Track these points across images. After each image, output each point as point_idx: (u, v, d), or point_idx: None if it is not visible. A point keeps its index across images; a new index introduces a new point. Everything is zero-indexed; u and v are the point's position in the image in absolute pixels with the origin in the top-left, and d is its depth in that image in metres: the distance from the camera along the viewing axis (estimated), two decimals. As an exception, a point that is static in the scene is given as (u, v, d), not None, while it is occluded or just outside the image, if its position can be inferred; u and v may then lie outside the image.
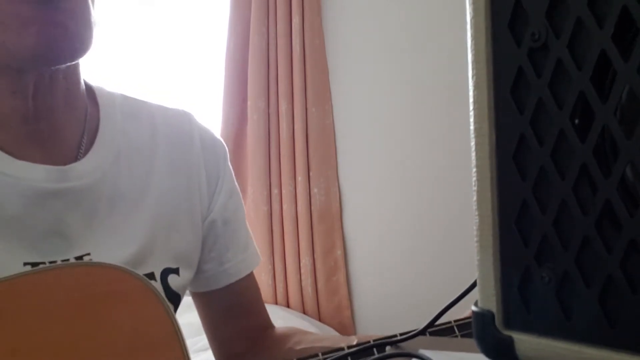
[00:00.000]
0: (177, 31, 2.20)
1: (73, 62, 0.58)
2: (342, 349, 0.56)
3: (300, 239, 2.04)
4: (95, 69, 2.05)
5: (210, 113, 2.16)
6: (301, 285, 2.05)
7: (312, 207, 2.04)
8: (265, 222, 2.06)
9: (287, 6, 2.02)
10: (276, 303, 2.07)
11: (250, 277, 0.81)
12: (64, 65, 0.58)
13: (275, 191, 2.07)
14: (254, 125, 2.06)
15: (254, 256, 0.81)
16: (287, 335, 0.82)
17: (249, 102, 2.08)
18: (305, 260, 2.03)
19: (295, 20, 2.01)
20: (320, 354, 0.55)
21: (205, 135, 0.77)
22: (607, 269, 0.28)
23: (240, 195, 0.81)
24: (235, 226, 0.78)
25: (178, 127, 0.75)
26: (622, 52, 0.27)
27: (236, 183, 0.80)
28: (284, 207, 2.06)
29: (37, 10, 0.53)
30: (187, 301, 0.91)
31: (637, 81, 0.26)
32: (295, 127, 2.04)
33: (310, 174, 2.05)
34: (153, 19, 2.20)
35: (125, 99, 0.73)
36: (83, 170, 0.64)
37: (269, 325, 0.85)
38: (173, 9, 2.21)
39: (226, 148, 0.79)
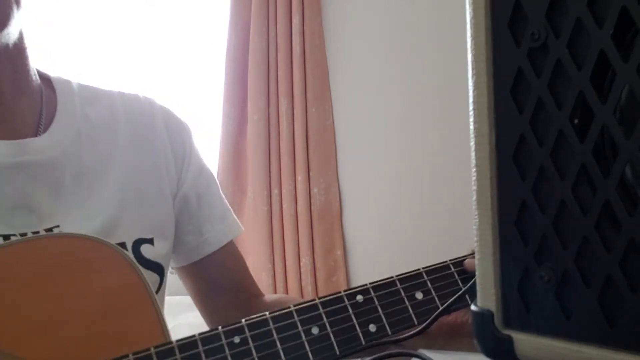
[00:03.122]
0: (177, 31, 2.20)
1: None
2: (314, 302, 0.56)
3: (300, 239, 2.04)
4: (95, 68, 2.05)
5: (210, 113, 2.16)
6: (301, 285, 2.04)
7: (312, 207, 2.04)
8: (265, 221, 2.06)
9: (287, 6, 2.02)
10: (276, 303, 2.07)
11: (232, 246, 0.83)
12: None
13: (275, 191, 2.07)
14: (254, 125, 2.06)
15: (233, 225, 0.84)
16: (280, 302, 0.84)
17: (249, 102, 2.07)
18: (305, 260, 2.03)
19: (295, 20, 2.01)
20: (292, 306, 0.55)
21: (168, 116, 0.80)
22: (606, 268, 0.28)
23: (211, 171, 0.84)
24: (210, 199, 0.81)
25: (138, 109, 0.78)
26: (622, 53, 0.27)
27: (204, 160, 0.83)
28: (284, 206, 2.06)
29: None
30: (186, 301, 0.91)
31: (637, 81, 0.26)
32: (295, 127, 2.04)
33: (310, 173, 2.05)
34: (153, 19, 2.20)
35: (83, 86, 0.76)
36: (42, 144, 0.66)
37: (258, 293, 0.87)
38: (173, 9, 2.21)
39: (190, 128, 0.83)
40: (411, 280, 0.59)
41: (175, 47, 2.20)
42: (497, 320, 0.32)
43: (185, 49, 2.19)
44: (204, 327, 0.88)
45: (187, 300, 0.88)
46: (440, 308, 0.55)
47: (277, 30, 2.04)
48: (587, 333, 0.29)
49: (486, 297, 0.32)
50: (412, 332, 0.55)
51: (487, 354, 0.33)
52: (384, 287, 0.58)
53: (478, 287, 0.33)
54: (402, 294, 0.58)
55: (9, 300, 0.52)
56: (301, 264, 2.04)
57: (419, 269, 0.60)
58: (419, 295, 0.58)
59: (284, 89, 2.03)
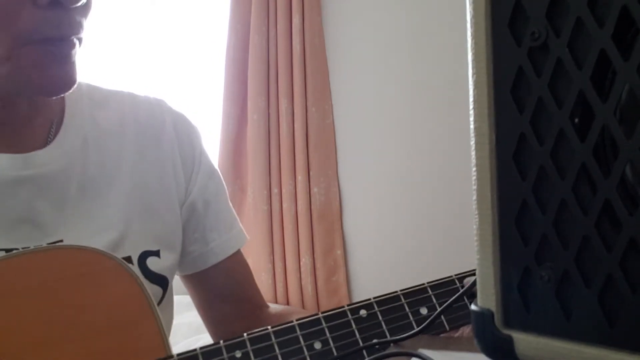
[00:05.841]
0: (177, 31, 2.20)
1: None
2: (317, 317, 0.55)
3: (300, 239, 2.04)
4: (95, 68, 2.05)
5: (210, 113, 2.16)
6: (301, 285, 2.04)
7: (312, 207, 2.04)
8: (265, 221, 2.06)
9: (287, 6, 2.02)
10: (276, 302, 2.07)
11: (238, 255, 0.81)
12: None
13: (275, 190, 2.07)
14: (254, 125, 2.06)
15: (239, 235, 0.82)
16: (285, 315, 0.82)
17: (249, 102, 2.08)
18: (305, 260, 2.03)
19: (296, 20, 2.01)
20: (294, 320, 0.54)
21: (178, 119, 0.78)
22: (607, 268, 0.28)
23: (221, 177, 0.81)
24: (217, 207, 0.79)
25: (148, 113, 0.75)
26: (622, 52, 0.27)
27: (215, 165, 0.81)
28: (284, 206, 2.06)
29: (46, 54, 0.57)
30: (186, 301, 0.91)
31: (637, 81, 0.26)
32: (295, 127, 2.04)
33: (310, 173, 2.05)
34: (153, 19, 2.20)
35: (93, 87, 0.74)
36: (47, 157, 0.65)
37: (262, 304, 0.85)
38: (173, 8, 2.21)
39: (200, 131, 0.80)
40: (416, 295, 0.58)
41: (176, 46, 2.20)
42: (497, 320, 0.32)
43: (185, 49, 2.19)
44: (204, 327, 0.88)
45: (187, 299, 0.87)
46: (440, 308, 0.55)
47: (277, 30, 2.04)
48: (587, 333, 0.29)
49: (486, 297, 0.32)
50: (412, 332, 0.55)
51: (487, 354, 0.33)
52: (388, 302, 0.57)
53: (478, 287, 0.33)
54: (407, 309, 0.57)
55: (9, 315, 0.51)
56: (301, 264, 2.04)
57: (423, 284, 0.60)
58: (424, 311, 0.57)
59: (284, 88, 2.03)
